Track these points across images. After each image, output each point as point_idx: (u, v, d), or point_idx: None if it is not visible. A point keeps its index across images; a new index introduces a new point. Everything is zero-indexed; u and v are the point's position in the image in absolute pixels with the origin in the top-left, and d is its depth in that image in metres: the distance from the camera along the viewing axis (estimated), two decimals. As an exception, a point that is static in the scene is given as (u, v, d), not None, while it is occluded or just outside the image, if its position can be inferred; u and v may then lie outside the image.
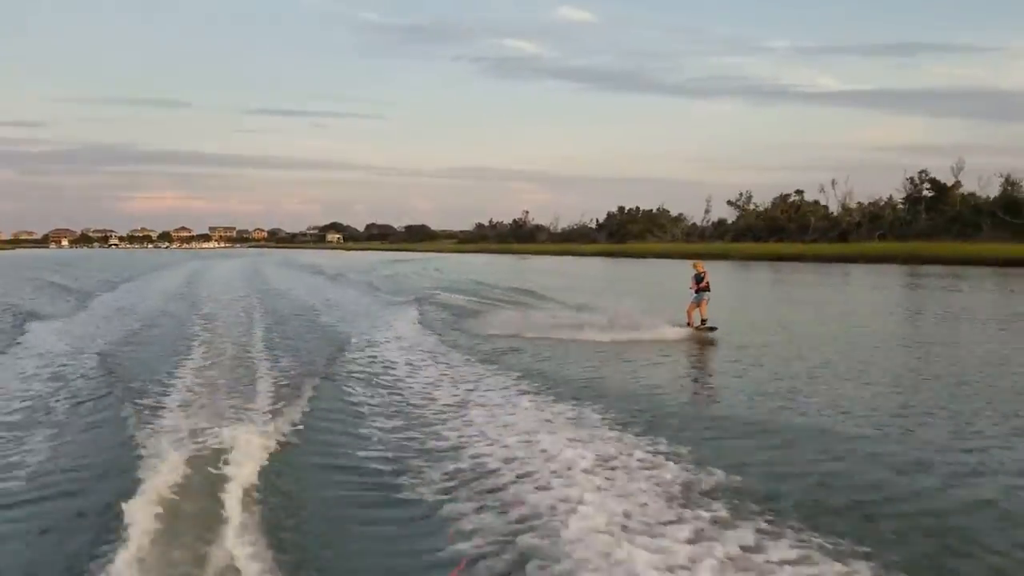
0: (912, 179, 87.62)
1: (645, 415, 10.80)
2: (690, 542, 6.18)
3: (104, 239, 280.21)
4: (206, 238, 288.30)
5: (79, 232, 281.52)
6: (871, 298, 33.30)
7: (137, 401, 11.54)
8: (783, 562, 5.89)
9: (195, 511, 6.80)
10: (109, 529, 6.53)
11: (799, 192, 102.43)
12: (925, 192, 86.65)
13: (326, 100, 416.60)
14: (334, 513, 7.31)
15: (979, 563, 6.04)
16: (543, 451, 8.67)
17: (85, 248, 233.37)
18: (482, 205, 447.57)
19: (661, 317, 19.90)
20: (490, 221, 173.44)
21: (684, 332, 19.14)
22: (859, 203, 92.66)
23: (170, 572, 5.81)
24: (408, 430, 10.14)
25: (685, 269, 22.67)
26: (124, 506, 6.59)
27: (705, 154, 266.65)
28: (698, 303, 19.56)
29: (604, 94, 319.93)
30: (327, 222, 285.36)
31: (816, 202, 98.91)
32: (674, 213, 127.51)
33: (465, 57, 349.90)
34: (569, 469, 7.96)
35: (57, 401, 12.16)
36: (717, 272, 19.70)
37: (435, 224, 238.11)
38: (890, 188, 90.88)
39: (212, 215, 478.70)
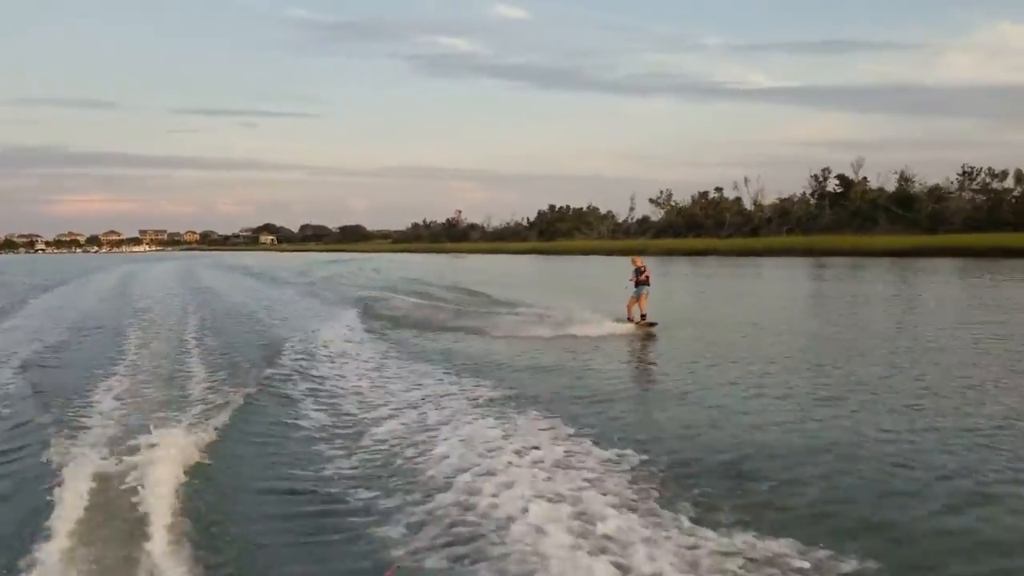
0: (816, 176, 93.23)
1: (498, 370, 13.91)
2: (517, 452, 8.82)
3: (30, 244, 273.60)
4: (136, 242, 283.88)
5: (3, 237, 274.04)
6: (745, 285, 37.64)
7: (63, 404, 11.54)
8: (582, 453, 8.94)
9: (119, 515, 6.86)
10: (32, 533, 6.57)
11: (718, 189, 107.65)
12: (834, 188, 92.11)
13: (259, 99, 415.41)
14: (261, 514, 7.36)
15: (728, 453, 8.77)
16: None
17: (10, 254, 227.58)
18: (417, 204, 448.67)
19: (597, 312, 20.31)
20: (424, 220, 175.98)
21: (624, 327, 19.27)
22: (779, 198, 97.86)
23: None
24: (334, 428, 10.35)
25: (611, 265, 23.99)
26: (47, 511, 6.76)
27: (640, 151, 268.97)
28: (637, 297, 19.81)
29: (540, 92, 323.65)
30: (261, 224, 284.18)
31: (737, 199, 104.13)
32: (606, 210, 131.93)
33: (399, 55, 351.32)
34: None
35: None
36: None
37: (370, 224, 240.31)
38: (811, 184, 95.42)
39: (143, 218, 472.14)
